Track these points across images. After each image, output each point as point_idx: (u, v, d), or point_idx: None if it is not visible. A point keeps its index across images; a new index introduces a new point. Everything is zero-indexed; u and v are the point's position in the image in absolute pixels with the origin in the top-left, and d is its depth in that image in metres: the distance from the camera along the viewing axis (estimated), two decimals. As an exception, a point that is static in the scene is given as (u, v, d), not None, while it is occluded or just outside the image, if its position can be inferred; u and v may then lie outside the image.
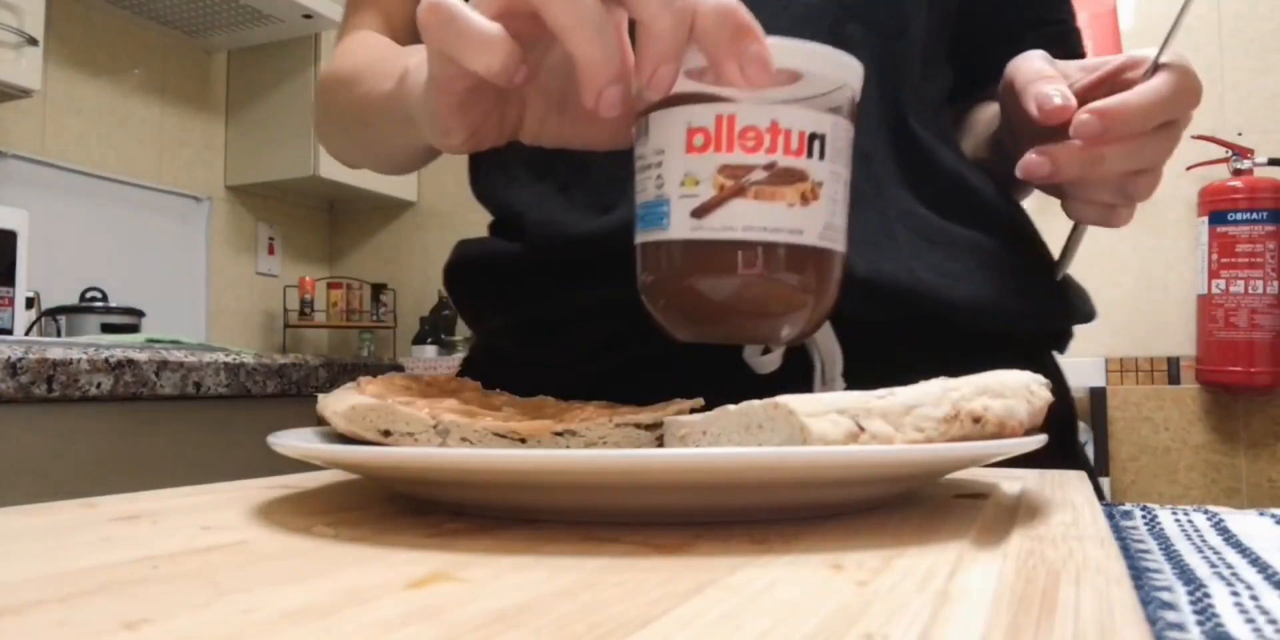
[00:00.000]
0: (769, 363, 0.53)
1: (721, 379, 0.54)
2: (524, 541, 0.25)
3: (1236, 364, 2.10)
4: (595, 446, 0.34)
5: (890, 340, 0.54)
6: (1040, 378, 0.34)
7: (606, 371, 0.57)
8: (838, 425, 0.27)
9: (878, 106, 0.56)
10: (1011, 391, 0.31)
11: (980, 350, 0.56)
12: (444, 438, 0.32)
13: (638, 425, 0.35)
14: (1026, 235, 0.60)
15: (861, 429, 0.27)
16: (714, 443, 0.31)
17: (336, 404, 0.35)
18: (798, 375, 0.53)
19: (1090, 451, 2.11)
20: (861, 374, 0.52)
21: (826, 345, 0.52)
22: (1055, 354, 0.64)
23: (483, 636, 0.16)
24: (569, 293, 0.56)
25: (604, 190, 0.55)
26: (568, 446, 0.33)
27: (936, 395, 0.29)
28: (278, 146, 2.62)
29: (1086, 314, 0.61)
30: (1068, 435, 0.64)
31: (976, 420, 0.29)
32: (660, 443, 0.36)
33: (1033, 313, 0.57)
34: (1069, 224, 0.56)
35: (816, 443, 0.26)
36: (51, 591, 0.19)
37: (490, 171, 0.65)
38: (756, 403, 0.29)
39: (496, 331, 0.62)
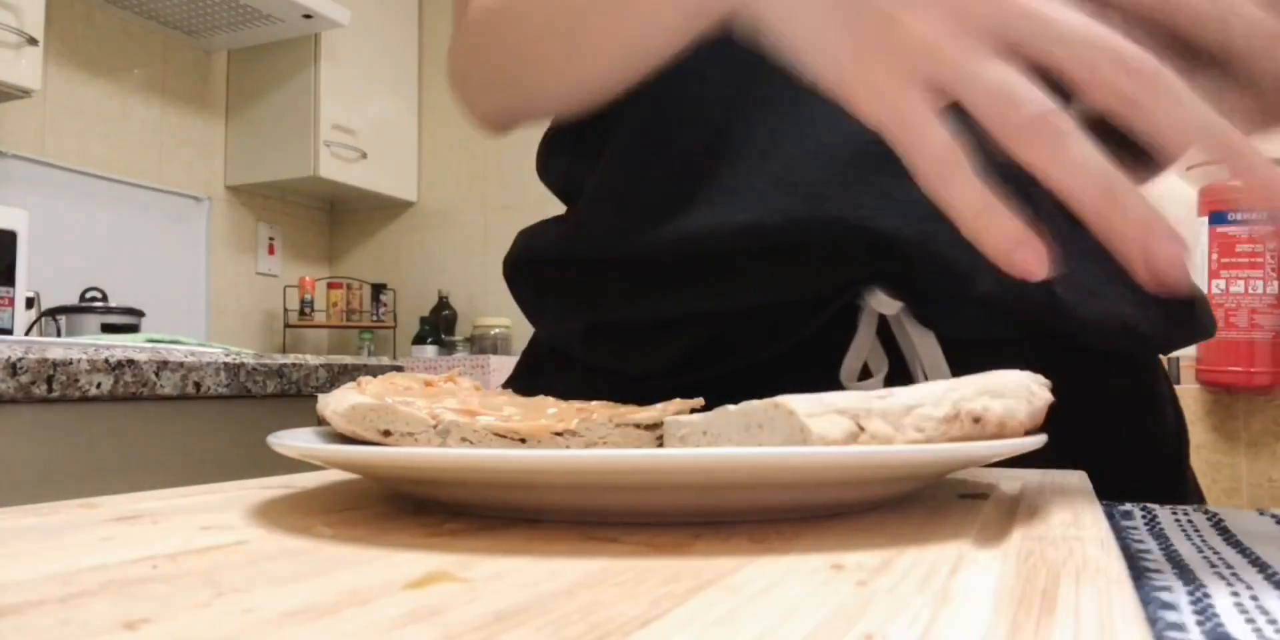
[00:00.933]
0: (870, 387, 0.48)
1: None
2: (524, 541, 0.25)
3: (1236, 364, 2.10)
4: (595, 446, 0.34)
5: (1000, 358, 0.47)
6: (1040, 378, 0.34)
7: (681, 389, 0.50)
8: (837, 425, 0.27)
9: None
10: (1012, 391, 0.31)
11: (1093, 365, 0.51)
12: (444, 438, 0.32)
13: (638, 425, 0.35)
14: None
15: (861, 429, 0.27)
16: (714, 443, 0.31)
17: (336, 404, 0.35)
18: None
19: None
20: None
21: (934, 364, 0.47)
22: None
23: (483, 636, 0.16)
24: (646, 298, 0.50)
25: (693, 181, 0.48)
26: (568, 446, 0.33)
27: (937, 395, 0.29)
28: (278, 146, 2.62)
29: (1211, 328, 0.55)
30: (1177, 464, 0.56)
31: (976, 420, 0.29)
32: (660, 443, 0.36)
33: (1163, 331, 0.51)
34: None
35: (816, 443, 0.26)
36: (51, 591, 0.19)
37: (559, 153, 0.58)
38: (757, 403, 0.29)
39: (566, 336, 0.56)
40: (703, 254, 0.48)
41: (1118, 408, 0.52)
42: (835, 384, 0.48)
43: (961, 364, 0.46)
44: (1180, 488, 0.55)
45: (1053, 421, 0.39)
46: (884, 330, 0.48)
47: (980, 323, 0.47)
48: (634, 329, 0.52)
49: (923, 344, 0.47)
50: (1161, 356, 0.58)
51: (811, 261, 0.47)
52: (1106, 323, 0.48)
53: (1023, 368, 0.47)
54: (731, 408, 0.31)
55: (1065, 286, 0.47)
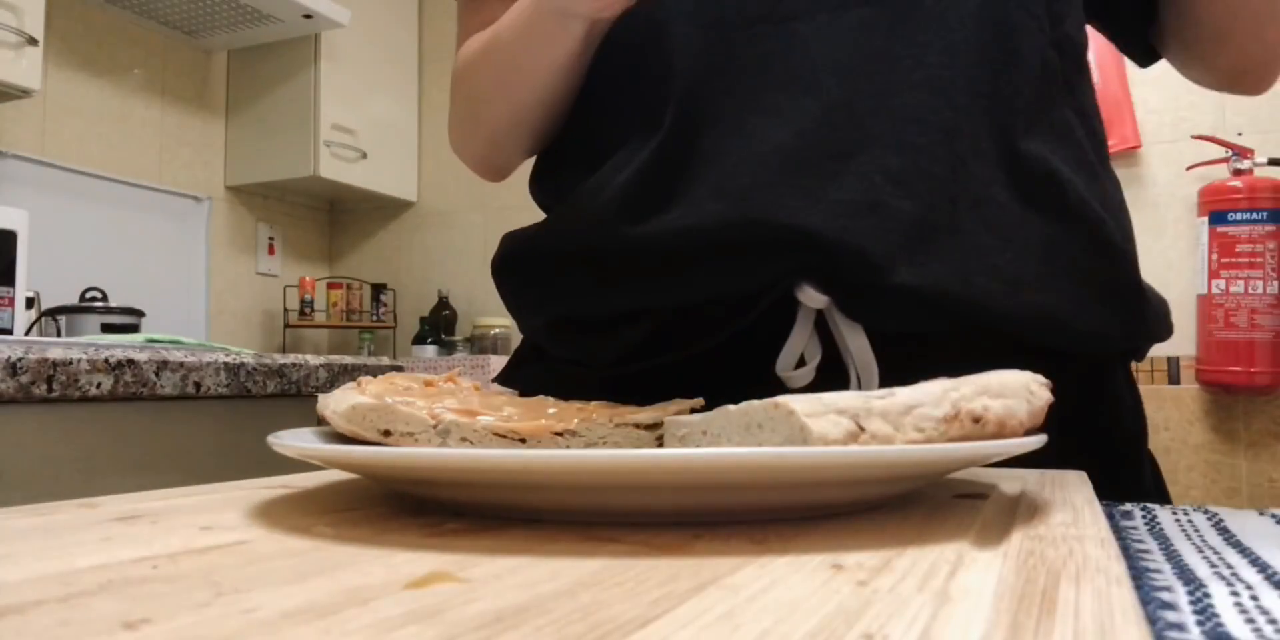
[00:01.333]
0: (801, 377, 0.51)
1: (751, 390, 0.51)
2: (524, 541, 0.25)
3: (1236, 364, 2.10)
4: (595, 446, 0.34)
5: (932, 352, 0.50)
6: (1040, 378, 0.34)
7: (635, 377, 0.56)
8: (838, 425, 0.27)
9: (974, 70, 0.51)
10: (1011, 391, 0.31)
11: (1035, 365, 0.50)
12: (444, 438, 0.32)
13: (638, 425, 0.35)
14: (1112, 240, 0.53)
15: (861, 429, 0.27)
16: (714, 443, 0.31)
17: (336, 404, 0.35)
18: (832, 387, 0.49)
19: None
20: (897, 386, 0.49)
21: (862, 358, 0.50)
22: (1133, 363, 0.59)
23: (483, 636, 0.16)
24: (602, 293, 0.55)
25: (646, 190, 0.53)
26: (568, 446, 0.33)
27: (937, 395, 0.29)
28: (278, 146, 2.62)
29: (1161, 334, 0.55)
30: (1130, 462, 0.57)
31: (976, 420, 0.29)
32: (660, 443, 0.36)
33: (1100, 330, 0.52)
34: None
35: (816, 442, 0.26)
36: (51, 591, 0.19)
37: (547, 172, 0.65)
38: (757, 403, 0.29)
39: (536, 329, 0.61)
40: (651, 254, 0.52)
41: (1063, 409, 0.53)
42: (772, 372, 0.52)
43: (892, 358, 0.50)
44: (1135, 486, 0.56)
45: None
46: (822, 324, 0.51)
47: (902, 315, 0.49)
48: (591, 323, 0.57)
49: (852, 337, 0.50)
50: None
51: (744, 259, 0.50)
52: (1035, 317, 0.49)
53: (953, 364, 0.46)
54: (731, 408, 0.31)
55: (992, 278, 0.49)
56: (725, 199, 0.50)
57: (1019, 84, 0.52)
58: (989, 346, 0.50)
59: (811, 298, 0.50)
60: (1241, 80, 0.64)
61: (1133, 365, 0.60)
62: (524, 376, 0.65)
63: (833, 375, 0.51)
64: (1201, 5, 0.58)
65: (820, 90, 0.51)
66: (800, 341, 0.51)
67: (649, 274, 0.53)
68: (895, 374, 0.47)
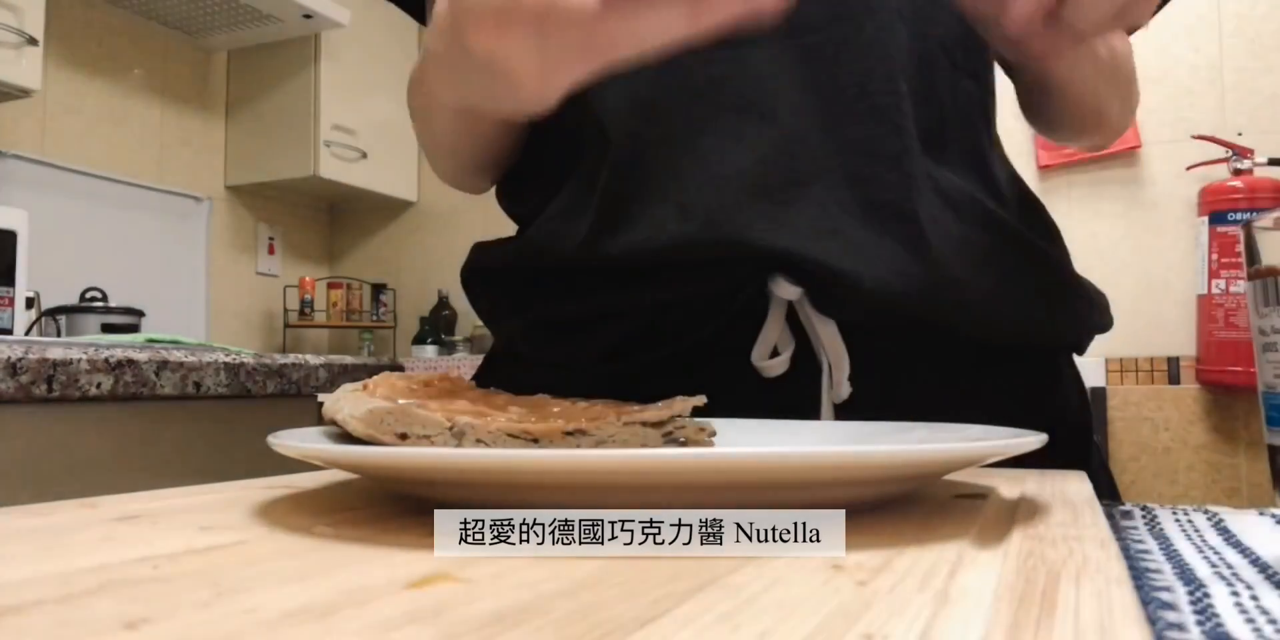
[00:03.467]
0: (776, 366, 0.53)
1: (730, 382, 0.55)
2: (524, 541, 0.25)
3: (1236, 364, 2.10)
4: (605, 445, 0.34)
5: (896, 346, 0.54)
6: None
7: (616, 375, 0.57)
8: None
9: (913, 96, 0.54)
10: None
11: (989, 359, 0.56)
12: (459, 440, 0.32)
13: (645, 423, 0.36)
14: (1035, 245, 0.58)
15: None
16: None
17: (352, 408, 0.35)
18: (805, 379, 0.53)
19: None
20: (867, 379, 0.52)
21: (834, 349, 0.52)
22: (1075, 356, 0.64)
23: (483, 636, 0.16)
24: (578, 298, 0.57)
25: (612, 209, 0.54)
26: (578, 446, 0.33)
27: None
28: (278, 146, 2.62)
29: (1100, 325, 0.60)
30: (1080, 447, 0.62)
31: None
32: (667, 439, 0.36)
33: (1035, 326, 0.56)
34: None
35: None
36: (51, 591, 0.19)
37: (511, 188, 0.66)
38: None
39: (512, 333, 0.63)
40: (623, 268, 0.54)
41: (1013, 400, 0.58)
42: (748, 365, 0.54)
43: (865, 351, 0.53)
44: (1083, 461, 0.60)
45: (955, 411, 0.44)
46: (793, 317, 0.53)
47: (871, 312, 0.52)
48: (567, 325, 0.58)
49: (822, 328, 0.52)
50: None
51: (717, 268, 0.52)
52: (986, 320, 0.54)
53: (917, 355, 0.54)
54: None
55: (949, 287, 0.52)
56: (691, 220, 0.52)
57: (946, 113, 0.56)
58: (950, 342, 0.55)
59: (785, 289, 0.52)
60: (1078, 141, 0.70)
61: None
62: (506, 377, 0.66)
63: (807, 366, 0.53)
64: (1043, 98, 0.63)
65: (775, 119, 0.53)
66: (774, 333, 0.53)
67: (623, 283, 0.55)
68: (865, 364, 0.52)
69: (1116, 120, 0.65)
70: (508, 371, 0.64)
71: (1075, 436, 0.62)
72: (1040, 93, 0.62)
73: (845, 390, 0.52)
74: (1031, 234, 0.58)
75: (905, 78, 0.54)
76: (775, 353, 0.54)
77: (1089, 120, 0.64)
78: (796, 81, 0.53)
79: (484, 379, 0.66)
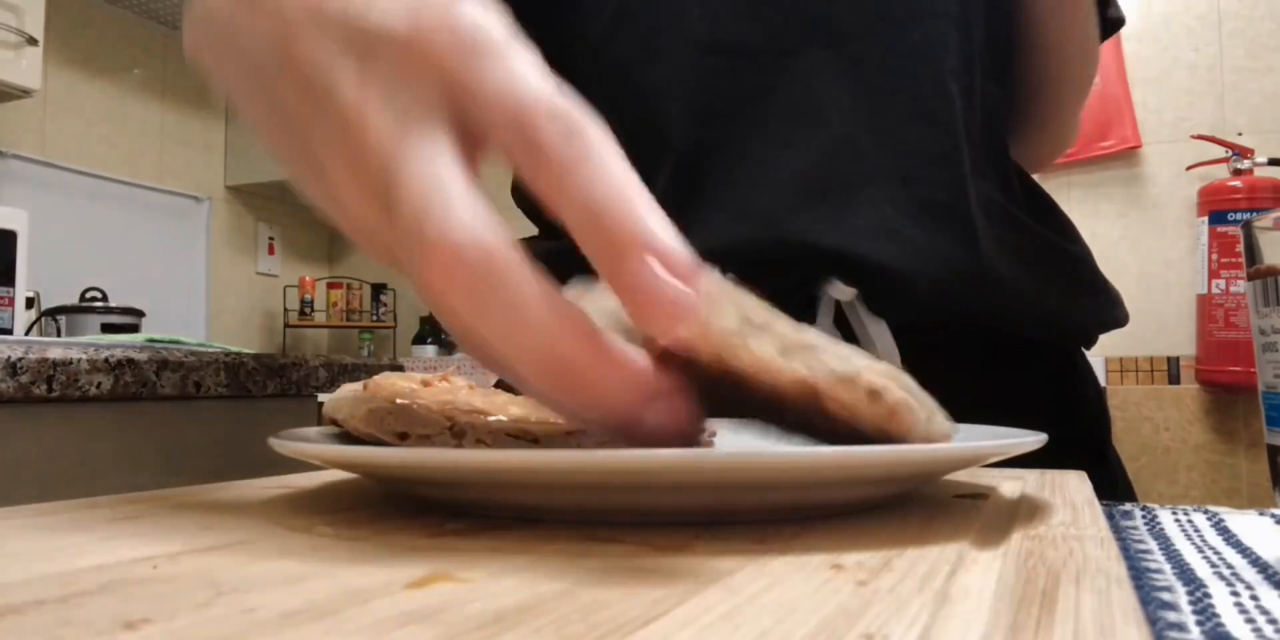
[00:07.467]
0: None
1: None
2: (524, 541, 0.25)
3: (1236, 364, 2.10)
4: (606, 445, 0.34)
5: (941, 343, 0.55)
6: (945, 414, 0.32)
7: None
8: (731, 317, 0.26)
9: (959, 99, 0.55)
10: (918, 396, 0.29)
11: (1021, 354, 0.59)
12: (459, 439, 0.32)
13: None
14: (1067, 246, 0.60)
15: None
16: (600, 299, 0.28)
17: (353, 408, 0.35)
18: None
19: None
20: (915, 377, 0.53)
21: (886, 348, 0.53)
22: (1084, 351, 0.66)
23: (483, 636, 0.16)
24: None
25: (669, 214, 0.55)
26: (580, 445, 0.33)
27: (847, 355, 0.28)
28: (278, 146, 2.62)
29: (1118, 320, 0.62)
30: (1102, 439, 0.64)
31: (873, 394, 0.27)
32: None
33: (1066, 321, 0.59)
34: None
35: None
36: (51, 591, 0.19)
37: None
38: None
39: None
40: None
41: (1044, 394, 0.60)
42: None
43: (911, 350, 0.53)
44: (1107, 480, 0.61)
45: (993, 407, 0.46)
46: (840, 318, 0.54)
47: (924, 310, 0.54)
48: None
49: (874, 329, 0.53)
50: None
51: (774, 269, 0.53)
52: (1035, 318, 0.56)
53: (963, 353, 0.56)
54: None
55: (1001, 288, 0.54)
56: (750, 221, 0.52)
57: (976, 118, 0.58)
58: (988, 338, 0.57)
59: (840, 291, 0.53)
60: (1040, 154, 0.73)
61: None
62: None
63: None
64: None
65: (825, 124, 0.54)
66: (824, 332, 0.53)
67: None
68: (912, 362, 0.51)
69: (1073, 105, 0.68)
70: None
71: (1098, 427, 0.64)
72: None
73: None
74: (1052, 232, 0.60)
75: (954, 79, 0.55)
76: None
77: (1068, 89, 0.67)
78: (844, 87, 0.54)
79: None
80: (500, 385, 0.65)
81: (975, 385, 0.55)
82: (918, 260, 0.51)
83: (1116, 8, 0.67)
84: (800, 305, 0.54)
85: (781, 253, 0.52)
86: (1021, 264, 0.55)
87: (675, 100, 0.55)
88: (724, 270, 0.54)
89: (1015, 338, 0.57)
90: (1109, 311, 0.61)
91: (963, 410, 0.46)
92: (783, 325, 0.27)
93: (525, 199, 0.65)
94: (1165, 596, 0.21)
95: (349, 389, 0.38)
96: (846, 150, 0.53)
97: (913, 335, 0.54)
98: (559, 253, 0.56)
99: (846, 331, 0.54)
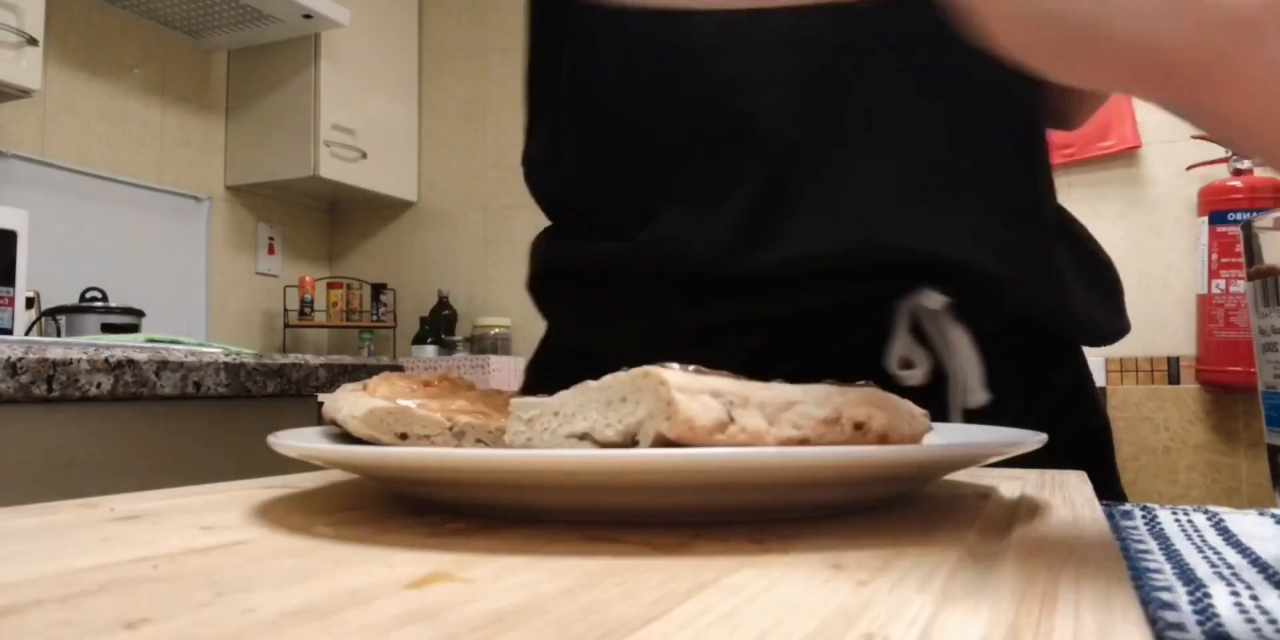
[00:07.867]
0: (915, 376, 0.53)
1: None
2: (524, 541, 0.25)
3: (1236, 364, 2.10)
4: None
5: (992, 347, 0.54)
6: (919, 409, 0.33)
7: None
8: (709, 410, 0.26)
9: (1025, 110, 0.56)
10: (893, 410, 0.30)
11: (1060, 355, 0.60)
12: (459, 440, 0.32)
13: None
14: (1102, 256, 0.62)
15: (732, 419, 0.26)
16: (568, 423, 0.29)
17: (352, 408, 0.35)
18: (939, 387, 0.53)
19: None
20: (994, 384, 0.53)
21: (966, 356, 0.53)
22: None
23: (483, 636, 0.16)
24: (710, 309, 0.55)
25: (761, 219, 0.53)
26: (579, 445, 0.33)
27: (820, 396, 0.28)
28: (278, 146, 2.62)
29: (1127, 327, 0.63)
30: (1105, 441, 0.63)
31: (859, 427, 0.28)
32: None
33: (1103, 324, 0.60)
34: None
35: (682, 424, 0.25)
36: (51, 591, 0.19)
37: (592, 175, 0.60)
38: (623, 374, 0.27)
39: (613, 341, 0.60)
40: (765, 279, 0.53)
41: (1058, 399, 0.61)
42: (872, 376, 0.52)
43: (990, 357, 0.53)
44: (1108, 484, 0.61)
45: (1027, 417, 0.46)
46: (915, 323, 0.54)
47: (1001, 317, 0.54)
48: (697, 334, 0.56)
49: (956, 339, 0.53)
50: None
51: (866, 274, 0.52)
52: (1083, 320, 0.57)
53: (1015, 358, 0.56)
54: (593, 383, 0.28)
55: (1069, 294, 0.55)
56: (843, 226, 0.52)
57: (1042, 121, 0.59)
58: (1039, 341, 0.58)
59: (932, 299, 0.52)
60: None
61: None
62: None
63: (937, 373, 0.53)
64: None
65: (907, 130, 0.54)
66: (904, 342, 0.53)
67: (763, 292, 0.54)
68: (990, 369, 0.53)
69: None
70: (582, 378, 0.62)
71: (1104, 429, 0.64)
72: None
73: (981, 396, 0.52)
74: (1087, 238, 0.62)
75: (1026, 84, 0.54)
76: (909, 363, 0.53)
77: None
78: (922, 91, 0.54)
79: (540, 388, 0.60)
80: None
81: (1020, 384, 0.56)
82: (1010, 266, 0.52)
83: None
84: (870, 317, 0.53)
85: (877, 258, 0.52)
86: (1075, 267, 0.57)
87: (759, 94, 0.53)
88: (815, 277, 0.52)
89: (1054, 339, 0.59)
90: (1123, 319, 0.62)
91: (1013, 412, 0.48)
92: (758, 391, 0.27)
93: (538, 185, 0.63)
94: (1165, 596, 0.21)
95: (349, 389, 0.38)
96: (931, 156, 0.54)
97: (986, 342, 0.53)
98: (645, 257, 0.56)
99: (921, 337, 0.53)
